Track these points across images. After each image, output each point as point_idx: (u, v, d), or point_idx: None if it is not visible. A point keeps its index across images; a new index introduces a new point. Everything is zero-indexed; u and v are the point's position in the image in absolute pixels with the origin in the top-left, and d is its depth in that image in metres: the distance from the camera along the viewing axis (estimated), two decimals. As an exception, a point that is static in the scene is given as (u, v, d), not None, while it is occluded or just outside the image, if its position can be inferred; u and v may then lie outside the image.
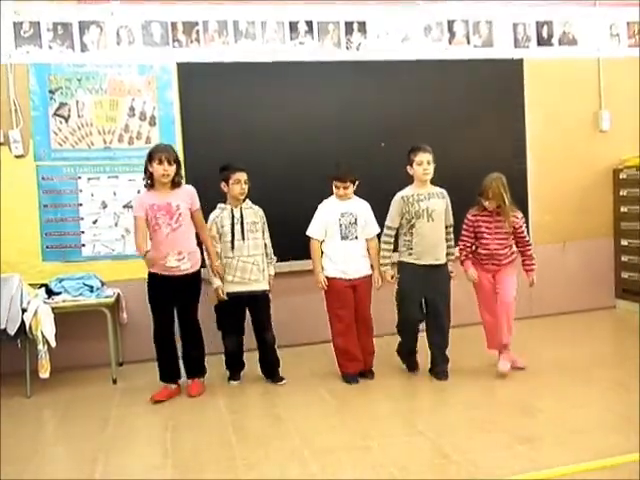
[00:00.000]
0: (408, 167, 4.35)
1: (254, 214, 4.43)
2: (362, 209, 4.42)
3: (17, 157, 4.92)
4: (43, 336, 4.28)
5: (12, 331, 4.26)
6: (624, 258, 6.04)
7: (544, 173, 5.90)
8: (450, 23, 5.68)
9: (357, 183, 4.38)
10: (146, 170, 4.08)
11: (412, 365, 4.54)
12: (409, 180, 4.41)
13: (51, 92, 4.95)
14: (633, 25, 6.10)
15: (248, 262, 4.35)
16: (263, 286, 4.42)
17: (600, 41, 6.04)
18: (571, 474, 2.87)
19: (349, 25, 5.46)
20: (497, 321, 4.37)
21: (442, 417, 3.68)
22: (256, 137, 5.19)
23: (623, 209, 6.02)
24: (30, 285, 4.55)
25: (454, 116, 5.58)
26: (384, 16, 5.51)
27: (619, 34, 6.09)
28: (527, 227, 5.68)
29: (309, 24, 5.37)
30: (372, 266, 4.44)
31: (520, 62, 5.82)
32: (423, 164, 4.28)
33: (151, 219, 4.04)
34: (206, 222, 4.32)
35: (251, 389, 4.38)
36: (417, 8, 5.58)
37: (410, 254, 4.32)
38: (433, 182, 4.43)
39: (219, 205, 4.42)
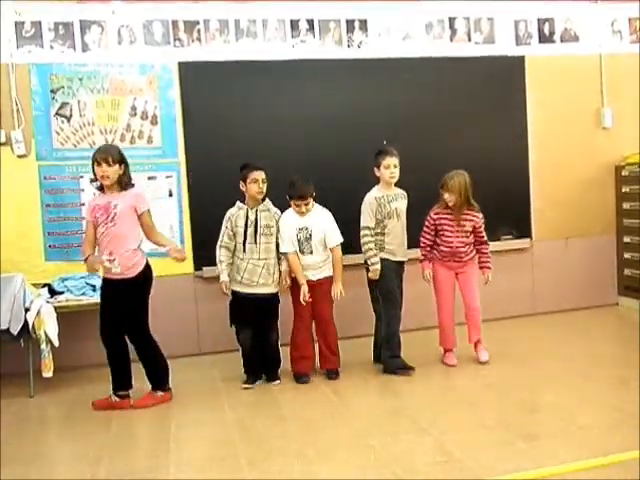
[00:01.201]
0: (375, 169, 4.46)
1: (270, 217, 4.37)
2: (319, 222, 4.38)
3: (19, 157, 4.93)
4: (46, 335, 4.29)
5: (15, 331, 4.27)
6: (626, 255, 6.04)
7: (546, 170, 5.89)
8: (451, 20, 5.68)
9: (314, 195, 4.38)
10: (94, 173, 3.95)
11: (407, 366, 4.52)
12: (376, 180, 4.49)
13: (53, 92, 4.96)
14: (635, 21, 6.09)
15: (258, 265, 4.32)
16: (271, 289, 4.38)
17: (602, 38, 6.03)
18: (574, 471, 2.87)
19: (350, 23, 5.46)
20: (452, 323, 4.57)
21: (445, 415, 3.67)
22: (257, 135, 5.19)
23: (625, 206, 6.01)
24: (33, 285, 4.56)
25: (455, 113, 5.57)
26: (385, 14, 5.51)
27: (621, 31, 6.08)
28: (529, 224, 5.77)
29: (310, 22, 5.37)
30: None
31: (522, 59, 5.81)
32: (390, 167, 4.40)
33: (94, 219, 3.95)
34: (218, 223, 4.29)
35: (254, 388, 4.38)
36: (418, 6, 5.58)
37: (384, 251, 4.45)
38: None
39: (237, 203, 4.37)
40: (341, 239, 4.42)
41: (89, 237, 3.99)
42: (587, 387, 3.97)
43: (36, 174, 4.96)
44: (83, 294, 4.66)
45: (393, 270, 4.48)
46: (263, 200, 4.37)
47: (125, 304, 3.99)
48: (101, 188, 3.99)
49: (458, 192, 4.40)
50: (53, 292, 4.65)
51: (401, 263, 4.56)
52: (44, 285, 4.72)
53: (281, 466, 3.11)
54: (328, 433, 3.51)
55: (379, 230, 4.45)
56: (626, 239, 6.03)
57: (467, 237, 4.51)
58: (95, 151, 3.96)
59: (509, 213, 5.75)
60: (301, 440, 3.41)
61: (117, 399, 4.05)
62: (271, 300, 4.40)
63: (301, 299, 4.31)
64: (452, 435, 3.34)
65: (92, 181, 4.07)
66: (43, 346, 4.28)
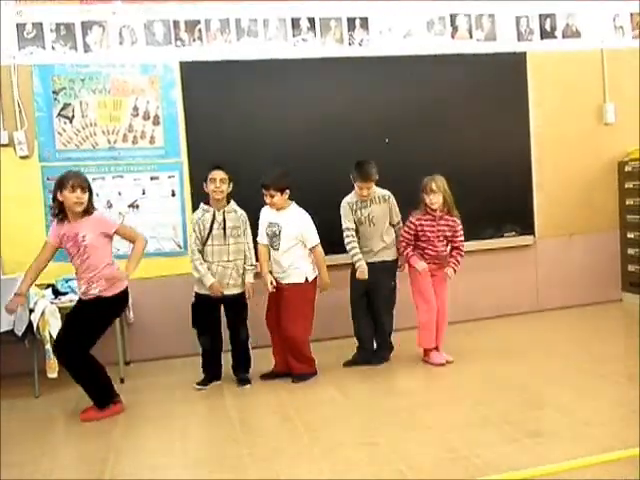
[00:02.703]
0: (352, 177, 4.49)
1: (236, 218, 4.34)
2: (292, 222, 4.32)
3: (22, 158, 4.94)
4: (51, 336, 4.30)
5: (20, 331, 4.29)
6: (630, 251, 6.02)
7: (549, 166, 5.88)
8: (452, 17, 5.67)
9: (287, 192, 4.32)
10: (54, 199, 3.80)
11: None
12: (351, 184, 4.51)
13: (55, 93, 4.97)
14: (637, 17, 6.07)
15: (228, 267, 4.31)
16: (238, 290, 4.37)
17: (604, 33, 6.01)
18: (579, 468, 2.87)
19: (351, 21, 5.46)
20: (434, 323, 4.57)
21: (449, 412, 3.67)
22: (260, 134, 5.20)
23: (629, 202, 6.00)
24: (37, 285, 4.56)
25: (457, 110, 5.57)
26: (386, 12, 5.50)
27: (623, 26, 6.06)
28: (532, 220, 5.77)
29: (311, 21, 5.37)
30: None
31: (523, 55, 5.80)
32: (363, 190, 4.45)
33: (66, 250, 3.87)
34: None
35: (258, 387, 4.39)
36: (419, 3, 5.57)
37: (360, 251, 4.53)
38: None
39: (202, 206, 4.35)
40: (317, 240, 4.36)
41: (44, 256, 3.88)
42: (592, 384, 3.97)
43: (39, 175, 4.97)
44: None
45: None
46: (228, 202, 4.34)
47: (87, 321, 3.89)
48: (58, 215, 3.82)
49: (443, 193, 4.41)
50: (57, 293, 4.66)
51: (380, 263, 4.55)
52: (48, 286, 4.72)
53: (285, 465, 3.11)
54: (332, 432, 3.51)
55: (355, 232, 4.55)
56: (630, 235, 6.02)
57: (445, 243, 4.57)
58: (65, 177, 3.77)
59: (512, 210, 5.75)
60: (305, 439, 3.41)
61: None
62: (239, 299, 4.38)
63: (269, 288, 4.31)
64: (457, 432, 3.34)
65: (52, 208, 3.85)
66: (48, 346, 4.29)
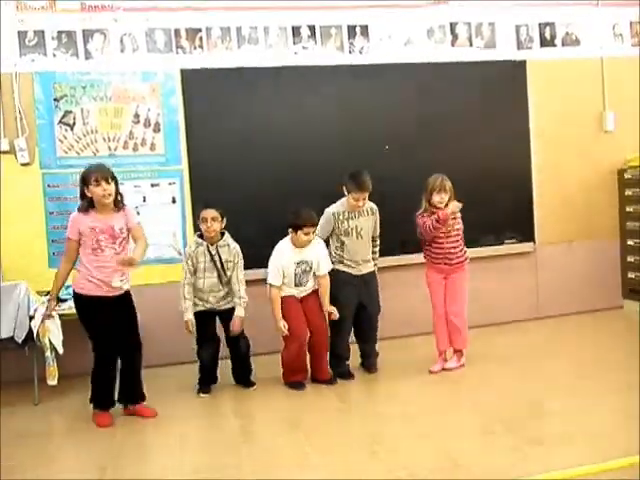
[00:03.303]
0: (344, 188, 4.44)
1: (229, 252, 4.36)
2: (316, 253, 4.40)
3: (23, 165, 4.94)
4: (50, 343, 4.30)
5: (20, 338, 4.28)
6: (630, 258, 6.02)
7: (549, 174, 5.89)
8: (452, 25, 5.69)
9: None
10: (82, 195, 3.81)
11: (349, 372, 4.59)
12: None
13: (56, 100, 4.98)
14: (636, 25, 6.09)
15: (220, 296, 4.38)
16: (230, 305, 4.39)
17: (603, 41, 6.03)
18: (580, 476, 2.86)
19: (351, 29, 5.47)
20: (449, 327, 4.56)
21: (449, 420, 3.67)
22: (260, 142, 5.21)
23: (629, 209, 6.00)
24: (37, 292, 4.57)
25: (457, 118, 5.57)
26: (387, 19, 5.52)
27: (622, 34, 6.08)
28: (532, 228, 5.78)
29: (312, 28, 5.39)
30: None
31: (523, 64, 5.82)
32: (359, 201, 4.41)
33: (90, 241, 3.79)
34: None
35: (258, 393, 4.39)
36: (419, 11, 5.59)
37: (343, 264, 4.52)
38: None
39: (196, 239, 4.39)
40: (330, 266, 4.45)
41: (72, 258, 3.87)
42: (592, 391, 3.96)
43: (40, 182, 4.98)
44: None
45: (351, 283, 4.50)
46: (222, 235, 4.37)
47: (134, 313, 4.00)
48: (87, 210, 3.82)
49: (450, 192, 4.39)
50: (57, 300, 4.64)
51: (364, 276, 4.55)
52: (48, 293, 4.71)
53: (284, 472, 3.11)
54: (331, 439, 3.51)
55: (338, 244, 4.51)
56: (630, 242, 6.02)
57: (458, 240, 4.49)
58: (87, 171, 3.79)
59: (512, 217, 5.75)
60: (304, 446, 3.41)
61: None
62: (232, 311, 4.38)
63: (277, 331, 4.29)
64: (456, 440, 3.34)
65: (81, 204, 3.83)
66: (48, 354, 4.29)
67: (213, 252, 4.32)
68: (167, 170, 5.19)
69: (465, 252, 4.58)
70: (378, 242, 4.66)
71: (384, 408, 3.99)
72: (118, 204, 3.87)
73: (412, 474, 2.99)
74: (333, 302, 4.44)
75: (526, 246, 5.85)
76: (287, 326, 4.28)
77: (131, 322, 3.99)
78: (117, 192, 3.85)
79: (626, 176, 6.00)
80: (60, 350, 4.34)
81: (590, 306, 5.98)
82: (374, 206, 4.58)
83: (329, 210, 4.50)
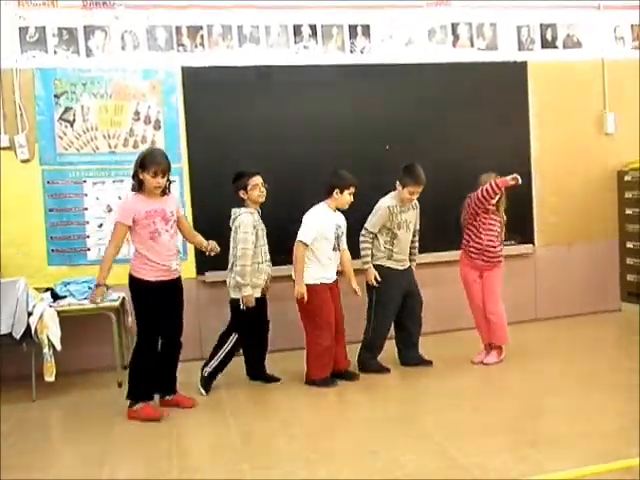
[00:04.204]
0: (398, 183, 4.52)
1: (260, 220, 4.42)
2: (343, 221, 4.50)
3: (23, 161, 4.94)
4: (49, 340, 4.30)
5: (18, 335, 4.27)
6: (629, 261, 6.03)
7: (549, 175, 5.90)
8: (454, 26, 5.69)
9: None
10: (135, 176, 3.81)
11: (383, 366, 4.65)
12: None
13: (56, 97, 4.98)
14: (637, 28, 6.10)
15: (270, 266, 4.43)
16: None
17: (604, 44, 6.03)
18: (579, 477, 2.86)
19: (353, 29, 5.48)
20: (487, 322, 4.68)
21: (448, 420, 3.66)
22: (260, 140, 5.20)
23: (628, 211, 6.01)
24: (36, 289, 4.57)
25: (458, 119, 5.58)
26: (388, 19, 5.52)
27: (623, 37, 6.09)
28: (532, 229, 5.79)
29: (313, 28, 5.39)
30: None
31: (524, 65, 5.82)
32: (414, 194, 4.50)
33: (146, 225, 3.78)
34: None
35: (258, 393, 4.38)
36: (421, 11, 5.59)
37: (391, 259, 4.54)
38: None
39: (242, 210, 4.31)
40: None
41: (120, 244, 3.86)
42: (590, 393, 3.96)
43: (39, 178, 4.97)
44: (85, 298, 4.64)
45: (398, 278, 4.56)
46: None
47: (181, 302, 4.02)
48: (138, 190, 3.82)
49: (501, 190, 4.50)
50: (56, 296, 4.65)
51: (406, 271, 4.65)
52: (47, 289, 4.72)
53: (284, 471, 3.10)
54: (331, 439, 3.51)
55: (388, 239, 4.55)
56: (629, 245, 6.02)
57: (497, 236, 4.62)
58: (147, 159, 3.77)
59: (512, 219, 5.67)
60: (304, 445, 3.41)
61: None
62: (265, 301, 4.45)
63: (297, 295, 4.29)
64: (456, 441, 3.33)
65: (132, 184, 3.86)
66: (45, 350, 4.29)
67: (258, 220, 4.36)
68: (167, 168, 5.17)
69: (502, 250, 4.69)
70: (417, 237, 4.75)
71: (382, 408, 3.99)
72: (165, 190, 3.91)
73: (410, 475, 2.98)
74: (379, 295, 4.52)
75: (525, 248, 5.85)
76: (320, 315, 4.31)
77: (180, 307, 4.02)
78: (167, 180, 3.87)
79: (626, 178, 6.00)
80: (58, 347, 4.34)
81: (589, 308, 5.98)
82: (417, 201, 4.66)
83: (384, 203, 4.54)
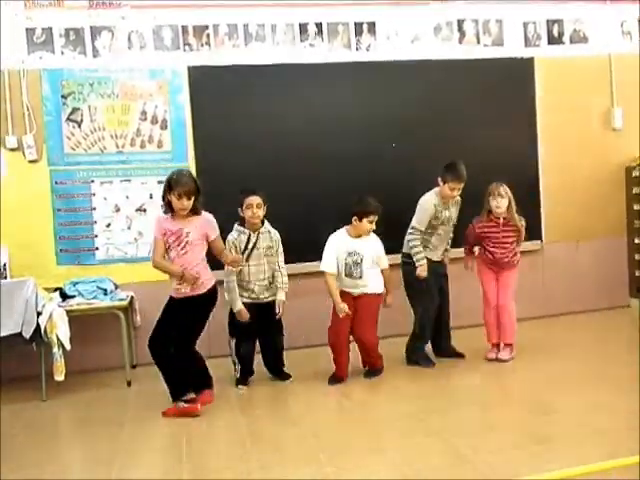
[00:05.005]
0: (440, 179, 4.57)
1: (269, 239, 4.41)
2: (371, 247, 4.42)
3: (31, 162, 4.96)
4: (58, 339, 4.32)
5: (27, 334, 4.30)
6: (638, 257, 6.00)
7: (556, 171, 5.87)
8: (460, 22, 5.67)
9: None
10: (164, 197, 3.92)
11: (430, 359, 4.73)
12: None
13: (64, 97, 5.00)
14: (645, 22, 6.07)
15: (263, 285, 4.42)
16: (272, 297, 4.44)
17: (611, 39, 6.01)
18: (587, 474, 2.86)
19: (359, 26, 5.47)
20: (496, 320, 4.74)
21: (457, 418, 3.66)
22: (267, 139, 5.21)
23: (636, 207, 5.98)
24: (45, 289, 4.59)
25: (465, 116, 5.56)
26: (394, 17, 5.51)
27: (630, 32, 6.06)
28: (540, 226, 5.78)
29: (319, 26, 5.39)
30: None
31: (531, 61, 5.80)
32: (454, 191, 4.55)
33: (166, 242, 3.93)
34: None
35: (265, 392, 4.39)
36: (427, 8, 5.58)
37: (425, 250, 4.60)
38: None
39: (236, 227, 4.39)
40: (388, 264, 4.51)
41: (160, 252, 3.94)
42: (599, 389, 3.95)
43: (47, 179, 5.00)
44: (94, 298, 4.68)
45: (431, 268, 4.60)
46: (262, 223, 4.40)
47: (187, 319, 3.99)
48: (166, 212, 3.94)
49: (507, 196, 4.56)
50: (65, 296, 4.68)
51: (439, 262, 4.74)
52: (56, 289, 4.74)
53: (292, 470, 3.11)
54: (338, 437, 3.51)
55: (429, 231, 4.60)
56: (637, 240, 5.99)
57: (510, 249, 4.67)
58: (174, 181, 3.84)
59: (519, 215, 5.72)
60: (312, 444, 3.41)
61: (184, 404, 3.98)
62: (273, 304, 4.44)
63: (339, 313, 4.31)
64: (464, 438, 3.33)
65: (162, 205, 3.97)
66: (55, 350, 4.31)
67: (253, 240, 4.35)
68: (174, 167, 5.11)
69: (516, 254, 4.74)
70: (452, 229, 4.81)
71: (389, 405, 3.99)
72: (196, 212, 3.94)
73: (417, 472, 2.98)
74: (419, 285, 4.57)
75: (533, 244, 5.83)
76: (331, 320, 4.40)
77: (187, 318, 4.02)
78: (196, 200, 3.90)
79: (634, 174, 5.98)
80: (67, 346, 4.36)
81: (597, 304, 5.96)
82: (459, 198, 4.69)
83: (429, 201, 4.56)
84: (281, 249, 4.49)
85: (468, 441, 3.29)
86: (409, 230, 4.58)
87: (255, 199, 4.29)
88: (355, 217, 4.34)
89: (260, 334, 4.49)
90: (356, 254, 4.37)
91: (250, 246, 4.35)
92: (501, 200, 4.53)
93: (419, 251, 4.53)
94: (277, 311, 4.40)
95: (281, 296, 4.43)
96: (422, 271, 4.52)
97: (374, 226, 4.36)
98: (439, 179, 4.55)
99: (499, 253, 4.64)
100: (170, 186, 3.86)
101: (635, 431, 3.22)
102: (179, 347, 3.98)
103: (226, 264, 4.21)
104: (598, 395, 3.85)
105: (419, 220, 4.55)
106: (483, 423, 3.55)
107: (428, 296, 4.63)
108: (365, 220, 4.32)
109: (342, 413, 3.91)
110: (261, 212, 4.33)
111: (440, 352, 4.81)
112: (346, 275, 4.38)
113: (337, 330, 4.39)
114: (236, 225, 4.41)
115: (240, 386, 4.45)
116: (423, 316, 4.64)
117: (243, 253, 4.33)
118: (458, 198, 4.68)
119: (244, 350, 4.44)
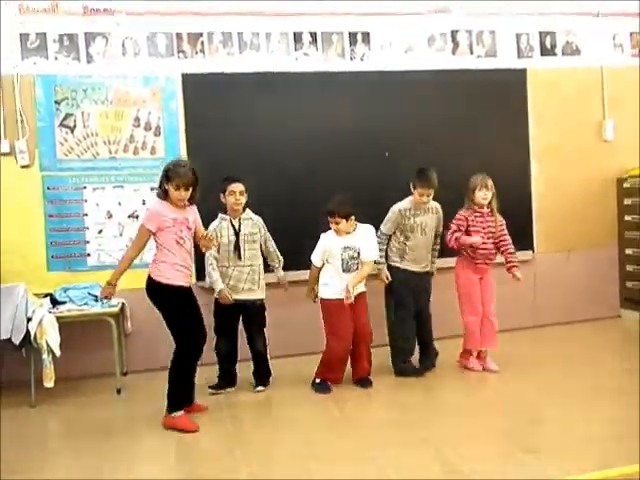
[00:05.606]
0: (411, 184, 4.57)
1: (253, 225, 4.46)
2: (364, 240, 4.41)
3: (23, 167, 4.95)
4: (48, 345, 4.30)
5: (17, 340, 4.28)
6: (629, 267, 6.03)
7: (548, 182, 5.90)
8: (453, 33, 5.71)
9: (352, 219, 4.36)
10: (161, 185, 3.83)
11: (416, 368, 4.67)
12: (409, 192, 4.61)
13: (57, 103, 4.99)
14: (636, 35, 6.12)
15: (243, 272, 4.40)
16: (256, 295, 4.45)
17: (603, 51, 6.06)
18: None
19: (353, 36, 5.50)
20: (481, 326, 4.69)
21: (446, 426, 3.66)
22: (260, 147, 5.21)
23: (627, 218, 6.01)
24: (35, 294, 4.57)
25: (458, 126, 5.58)
26: (388, 27, 5.54)
27: (622, 44, 6.11)
28: (531, 236, 5.80)
29: (313, 35, 5.41)
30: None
31: (523, 72, 5.84)
32: (424, 197, 4.53)
33: (173, 232, 3.79)
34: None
35: (255, 399, 4.38)
36: (420, 19, 5.61)
37: (404, 260, 4.61)
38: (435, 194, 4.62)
39: (220, 215, 4.45)
40: (377, 256, 4.50)
41: (141, 249, 3.88)
42: (589, 399, 3.96)
43: (39, 184, 4.98)
44: (85, 304, 4.67)
45: (410, 280, 4.59)
46: (244, 210, 4.44)
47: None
48: (164, 198, 3.84)
49: (492, 190, 4.58)
50: (55, 302, 4.66)
51: (423, 274, 4.68)
52: (46, 295, 4.72)
53: (283, 478, 3.10)
54: (329, 445, 3.50)
55: (402, 239, 4.60)
56: (628, 251, 6.02)
57: (489, 237, 4.65)
58: (173, 172, 3.76)
59: (511, 225, 5.69)
60: (302, 452, 3.40)
61: (184, 415, 3.90)
62: (256, 306, 4.44)
63: (310, 297, 4.44)
64: (453, 447, 3.33)
65: (156, 190, 3.93)
66: (45, 356, 4.29)
67: (236, 225, 4.39)
68: (167, 174, 5.18)
69: (496, 255, 4.74)
70: (439, 241, 4.78)
71: (380, 414, 4.00)
72: (190, 202, 3.93)
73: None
74: (393, 296, 4.59)
75: (524, 255, 5.83)
76: (336, 330, 4.35)
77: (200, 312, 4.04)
78: (194, 192, 3.85)
79: (625, 185, 6.01)
80: (57, 352, 4.33)
81: (588, 315, 5.97)
82: (439, 205, 4.70)
83: (395, 206, 4.61)
84: (268, 234, 4.56)
85: (456, 450, 3.29)
86: (377, 234, 4.59)
87: (238, 186, 4.34)
88: (329, 218, 4.36)
89: (247, 337, 4.48)
90: (351, 249, 4.37)
91: (231, 232, 4.37)
92: (487, 192, 4.57)
93: (381, 255, 4.57)
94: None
95: (280, 273, 4.59)
96: (382, 275, 4.56)
97: (343, 227, 4.31)
98: (411, 185, 4.57)
99: (488, 243, 4.62)
100: (168, 176, 3.79)
101: (624, 442, 3.23)
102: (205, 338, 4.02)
103: (198, 241, 4.01)
104: (588, 405, 3.86)
105: (383, 224, 4.62)
106: (472, 432, 3.54)
107: (401, 307, 4.59)
108: (331, 220, 4.33)
109: (332, 422, 3.90)
110: (243, 199, 4.37)
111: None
112: (344, 271, 4.37)
113: (346, 344, 4.36)
114: (219, 213, 4.45)
115: (210, 390, 4.42)
116: (396, 330, 4.61)
117: (229, 240, 4.36)
118: (438, 208, 4.68)
119: (222, 347, 4.42)
